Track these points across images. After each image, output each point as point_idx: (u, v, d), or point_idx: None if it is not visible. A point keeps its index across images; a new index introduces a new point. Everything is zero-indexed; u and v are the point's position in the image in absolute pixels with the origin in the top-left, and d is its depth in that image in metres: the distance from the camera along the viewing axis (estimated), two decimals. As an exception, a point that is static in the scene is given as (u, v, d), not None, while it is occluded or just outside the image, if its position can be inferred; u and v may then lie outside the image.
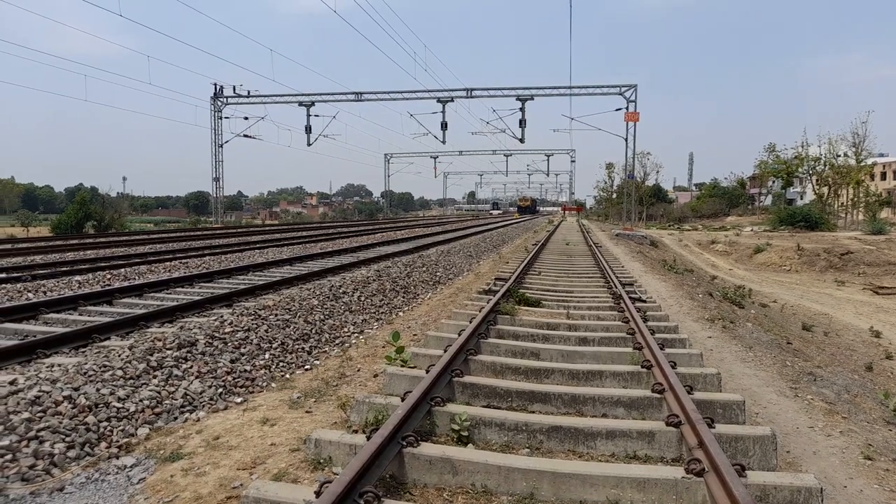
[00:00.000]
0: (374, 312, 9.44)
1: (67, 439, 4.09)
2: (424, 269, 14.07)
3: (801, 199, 69.87)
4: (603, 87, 41.03)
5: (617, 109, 40.30)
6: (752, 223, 55.94)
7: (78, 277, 10.86)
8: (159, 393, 5.02)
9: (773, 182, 71.17)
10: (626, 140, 39.96)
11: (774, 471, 3.72)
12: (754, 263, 31.99)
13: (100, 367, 5.11)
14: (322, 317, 8.34)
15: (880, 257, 29.33)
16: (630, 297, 8.94)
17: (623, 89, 40.01)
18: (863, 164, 54.16)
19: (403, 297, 10.96)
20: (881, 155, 66.25)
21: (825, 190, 57.29)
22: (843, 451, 4.38)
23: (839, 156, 54.86)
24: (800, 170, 60.42)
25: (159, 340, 5.95)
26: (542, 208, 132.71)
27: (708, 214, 74.57)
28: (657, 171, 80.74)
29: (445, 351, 5.44)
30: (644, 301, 9.33)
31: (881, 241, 33.15)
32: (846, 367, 9.21)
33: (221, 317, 7.27)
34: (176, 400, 5.03)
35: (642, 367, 5.38)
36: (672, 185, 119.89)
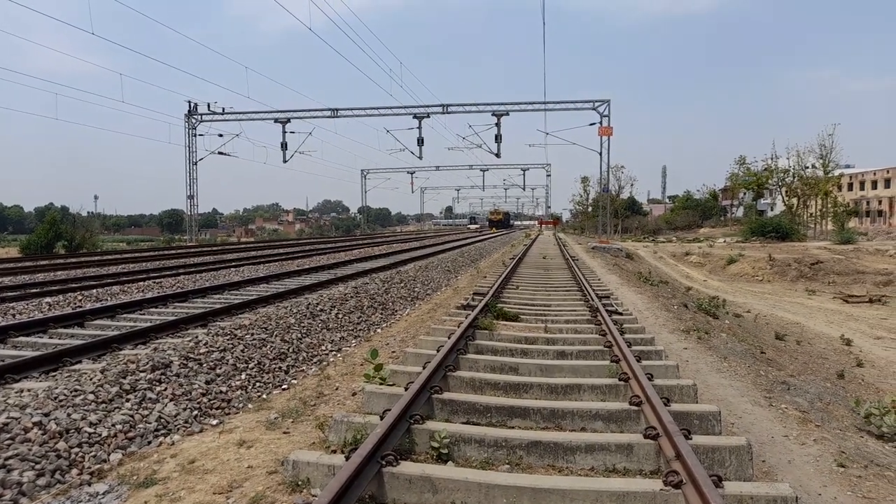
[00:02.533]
0: (352, 330, 9.38)
1: (37, 467, 3.98)
2: (402, 284, 14.04)
3: (772, 210, 71.39)
4: (576, 102, 41.64)
5: (591, 124, 40.87)
6: (725, 234, 56.93)
7: (48, 299, 10.63)
8: (133, 417, 4.93)
9: (745, 194, 72.60)
10: (601, 154, 40.52)
11: (751, 481, 3.76)
12: (727, 274, 32.51)
13: (71, 392, 5.00)
14: (299, 335, 8.27)
15: (849, 266, 30.01)
16: (607, 310, 9.01)
17: (596, 104, 40.62)
18: (830, 175, 55.57)
19: (381, 313, 10.92)
20: (848, 166, 68.10)
21: (794, 201, 58.63)
22: (817, 459, 4.45)
23: (807, 168, 56.27)
24: (770, 181, 61.80)
25: (132, 363, 5.85)
26: (518, 222, 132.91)
27: (682, 226, 75.76)
28: (631, 184, 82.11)
29: (424, 368, 5.42)
30: (621, 313, 9.41)
31: (850, 250, 33.98)
32: (818, 376, 9.37)
33: (196, 337, 7.17)
34: (150, 423, 4.93)
35: (620, 379, 5.42)
36: (646, 198, 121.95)
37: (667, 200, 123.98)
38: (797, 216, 57.08)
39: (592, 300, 10.30)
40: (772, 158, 60.21)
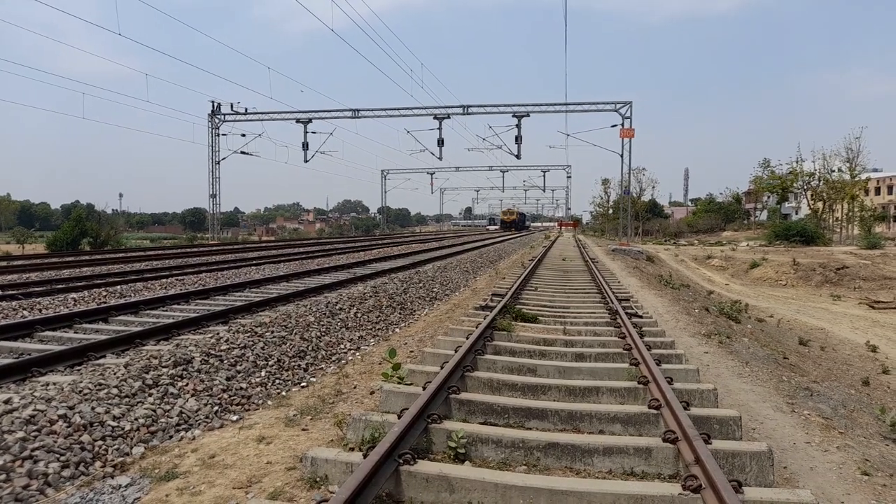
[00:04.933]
0: (371, 329, 9.43)
1: (62, 458, 4.07)
2: (421, 285, 14.07)
3: (797, 213, 70.26)
4: (598, 103, 41.37)
5: (613, 126, 40.51)
6: (748, 238, 56.16)
7: (73, 295, 10.83)
8: (155, 411, 5.00)
9: (769, 197, 71.54)
10: (622, 156, 40.18)
11: (771, 487, 3.71)
12: (750, 278, 32.06)
13: (95, 386, 5.09)
14: (318, 334, 8.33)
15: (875, 272, 29.42)
16: (626, 313, 8.94)
17: (618, 106, 40.30)
18: (857, 179, 54.53)
19: (400, 313, 10.96)
20: (875, 170, 66.77)
21: (820, 205, 57.60)
22: (840, 466, 4.38)
23: (833, 171, 55.27)
24: (794, 185, 60.81)
25: (155, 358, 5.94)
26: (537, 224, 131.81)
27: (704, 229, 74.91)
28: (653, 187, 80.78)
29: (442, 368, 5.43)
30: (640, 316, 9.34)
31: (876, 255, 33.30)
32: (843, 382, 9.21)
33: (217, 334, 7.26)
34: (171, 418, 5.01)
35: (639, 382, 5.38)
36: (668, 201, 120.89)
37: (689, 203, 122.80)
38: (822, 220, 56.11)
39: (612, 303, 10.23)
40: (797, 161, 59.32)
